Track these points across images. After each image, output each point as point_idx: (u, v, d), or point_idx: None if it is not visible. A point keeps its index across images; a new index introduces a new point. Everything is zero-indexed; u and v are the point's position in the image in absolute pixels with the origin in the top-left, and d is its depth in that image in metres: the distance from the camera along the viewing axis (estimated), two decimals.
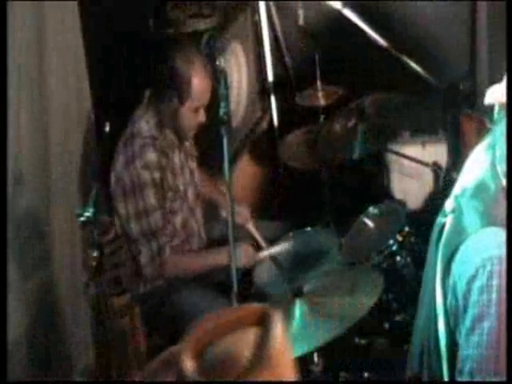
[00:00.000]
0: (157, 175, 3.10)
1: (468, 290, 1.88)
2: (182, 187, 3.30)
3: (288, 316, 2.64)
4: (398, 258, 3.26)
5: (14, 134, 2.67)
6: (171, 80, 3.08)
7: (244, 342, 1.44)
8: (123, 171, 3.10)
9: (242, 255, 3.14)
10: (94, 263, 2.55)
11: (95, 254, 2.55)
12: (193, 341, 1.44)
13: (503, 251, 1.86)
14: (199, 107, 3.13)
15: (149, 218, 3.10)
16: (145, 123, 3.17)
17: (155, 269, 3.13)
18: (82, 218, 2.55)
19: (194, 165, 3.44)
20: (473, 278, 1.87)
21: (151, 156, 3.10)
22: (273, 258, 3.29)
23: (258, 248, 3.37)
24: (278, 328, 1.43)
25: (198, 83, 3.07)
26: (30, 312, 2.83)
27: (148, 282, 3.24)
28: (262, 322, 1.46)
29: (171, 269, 3.17)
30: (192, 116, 3.15)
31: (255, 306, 1.47)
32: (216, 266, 3.17)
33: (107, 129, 2.65)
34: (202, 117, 3.17)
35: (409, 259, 3.28)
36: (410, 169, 4.04)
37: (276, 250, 3.30)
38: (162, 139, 3.19)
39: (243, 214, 3.48)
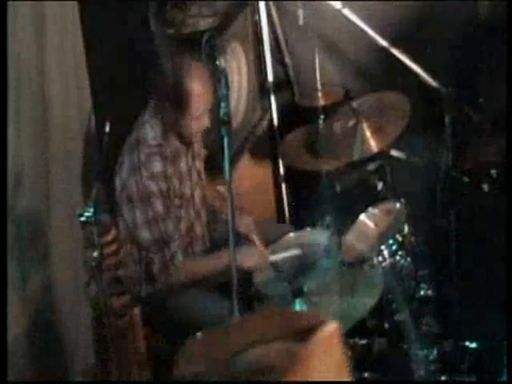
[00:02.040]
0: (163, 185, 3.10)
1: None
2: (188, 191, 3.30)
3: None
4: (398, 258, 3.27)
5: (14, 134, 2.67)
6: (171, 92, 3.08)
7: (277, 354, 1.45)
8: (129, 179, 3.09)
9: (255, 255, 3.15)
10: (94, 263, 2.55)
11: (95, 254, 2.55)
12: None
13: None
14: (201, 114, 3.13)
15: (159, 226, 3.09)
16: (150, 129, 3.16)
17: (169, 275, 3.12)
18: (82, 218, 2.55)
19: (201, 165, 3.44)
20: None
21: (157, 166, 3.10)
22: (272, 263, 3.30)
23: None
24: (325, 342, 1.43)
25: (198, 93, 3.06)
26: (30, 312, 2.83)
27: (151, 285, 3.22)
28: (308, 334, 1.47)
29: (184, 274, 3.16)
30: (194, 123, 3.15)
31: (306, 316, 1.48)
32: (225, 267, 3.17)
33: (107, 129, 2.65)
34: (205, 122, 3.17)
35: (409, 259, 3.28)
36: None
37: (281, 256, 3.28)
38: (168, 146, 3.18)
39: (247, 224, 3.47)
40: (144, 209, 3.08)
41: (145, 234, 3.10)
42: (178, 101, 3.07)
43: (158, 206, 3.09)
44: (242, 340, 1.59)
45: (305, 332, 1.55)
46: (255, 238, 3.41)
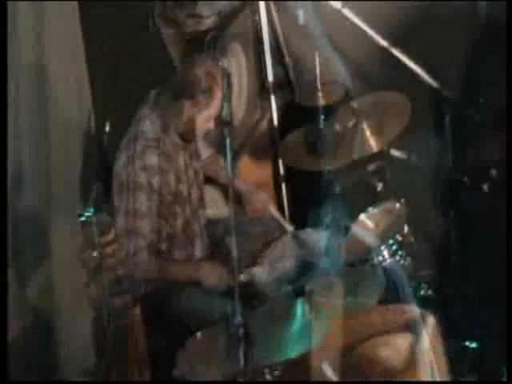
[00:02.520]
0: (155, 179, 3.10)
1: None
2: (185, 189, 3.29)
3: (289, 315, 2.64)
4: (398, 258, 3.26)
5: (14, 135, 2.68)
6: (192, 90, 3.08)
7: (391, 346, 1.47)
8: (123, 169, 3.11)
9: (211, 274, 3.13)
10: (94, 263, 2.56)
11: (95, 254, 2.55)
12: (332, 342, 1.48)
13: None
14: (216, 115, 3.14)
15: (135, 219, 3.09)
16: (149, 124, 3.16)
17: (128, 268, 3.08)
18: (82, 218, 2.55)
19: (198, 165, 3.44)
20: None
21: (152, 159, 3.10)
22: (295, 236, 3.28)
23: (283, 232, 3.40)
24: (427, 335, 1.45)
25: (220, 94, 3.08)
26: (30, 312, 2.84)
27: (148, 283, 3.23)
28: (412, 328, 1.49)
29: (144, 272, 3.13)
30: (206, 123, 3.16)
31: (407, 310, 1.50)
32: (191, 280, 3.16)
33: (107, 129, 2.66)
34: (211, 123, 3.17)
35: (409, 259, 3.28)
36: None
37: (254, 273, 3.26)
38: (167, 141, 3.18)
39: (262, 200, 3.48)
40: (127, 198, 3.08)
41: (120, 220, 3.09)
42: (200, 100, 3.09)
43: (143, 200, 3.09)
44: (361, 332, 1.62)
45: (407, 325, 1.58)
46: (274, 212, 3.42)
